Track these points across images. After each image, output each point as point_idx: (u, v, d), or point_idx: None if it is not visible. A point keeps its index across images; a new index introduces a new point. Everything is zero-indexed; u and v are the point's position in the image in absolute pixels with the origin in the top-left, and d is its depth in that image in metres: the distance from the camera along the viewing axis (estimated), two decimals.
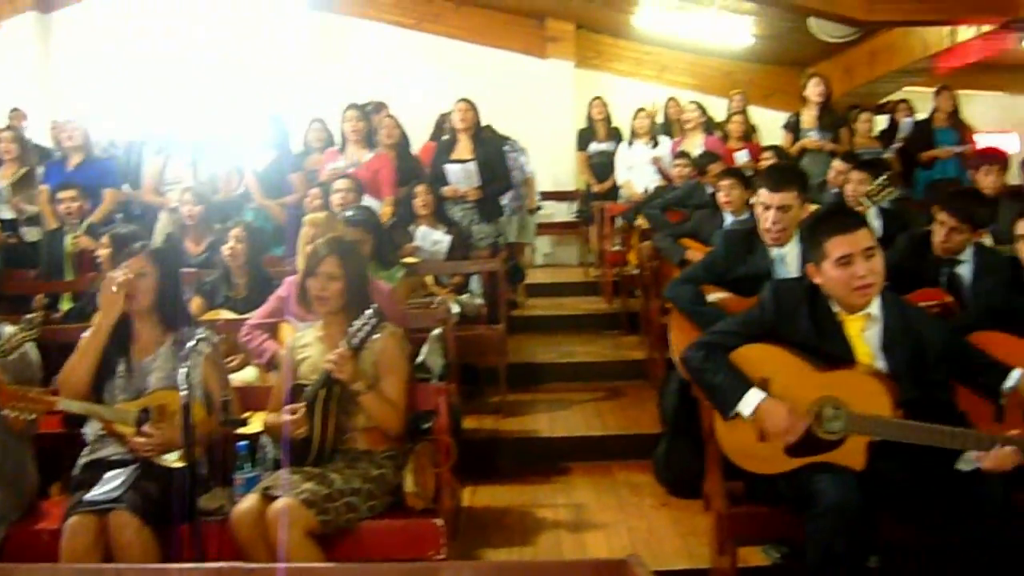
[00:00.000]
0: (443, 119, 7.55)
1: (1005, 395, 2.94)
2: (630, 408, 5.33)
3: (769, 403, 2.79)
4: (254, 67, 9.67)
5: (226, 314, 4.46)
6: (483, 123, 6.60)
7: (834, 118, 7.39)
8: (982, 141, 9.09)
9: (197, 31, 9.73)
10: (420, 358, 4.42)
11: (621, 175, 8.08)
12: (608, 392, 5.69)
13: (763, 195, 3.64)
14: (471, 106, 6.46)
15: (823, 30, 7.26)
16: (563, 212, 9.70)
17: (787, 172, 3.71)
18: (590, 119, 8.82)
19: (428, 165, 6.76)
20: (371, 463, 3.17)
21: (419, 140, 7.72)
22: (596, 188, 8.58)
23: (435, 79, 9.52)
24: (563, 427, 5.08)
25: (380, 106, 7.32)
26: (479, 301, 5.68)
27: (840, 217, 2.98)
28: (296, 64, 9.74)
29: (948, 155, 7.43)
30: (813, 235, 2.91)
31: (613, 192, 8.35)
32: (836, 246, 2.80)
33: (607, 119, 8.72)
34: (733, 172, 5.16)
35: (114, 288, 3.16)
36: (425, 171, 6.77)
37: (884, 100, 9.64)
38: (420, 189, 6.06)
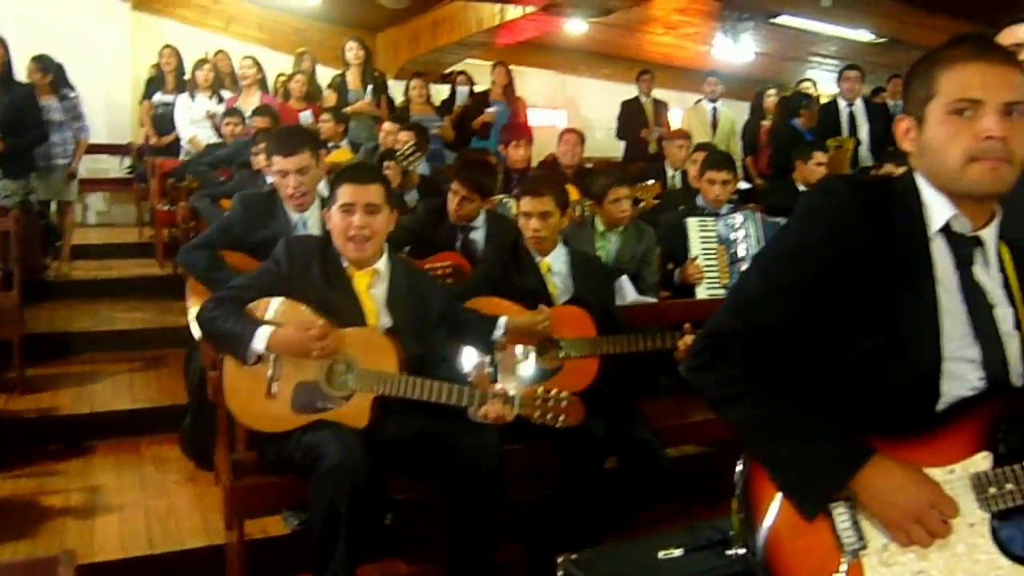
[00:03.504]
0: None
1: (498, 346, 3.16)
2: (168, 378, 5.01)
3: (279, 331, 2.77)
4: None
5: None
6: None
7: (377, 81, 7.54)
8: (536, 116, 9.87)
9: None
10: None
11: (184, 130, 7.60)
12: (148, 362, 5.32)
13: (277, 161, 3.54)
14: None
15: None
16: (118, 167, 8.94)
17: (295, 135, 3.64)
18: (160, 68, 8.19)
19: None
20: None
21: None
22: (155, 141, 8.02)
23: None
24: (88, 403, 4.63)
25: None
26: None
27: (360, 169, 3.07)
28: None
29: (491, 119, 7.89)
30: (334, 181, 2.95)
31: (176, 147, 7.84)
32: (344, 193, 2.87)
33: (177, 69, 8.12)
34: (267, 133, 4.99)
35: None
36: None
37: (449, 70, 10.06)
38: None
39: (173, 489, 3.84)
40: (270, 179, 4.98)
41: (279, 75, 8.69)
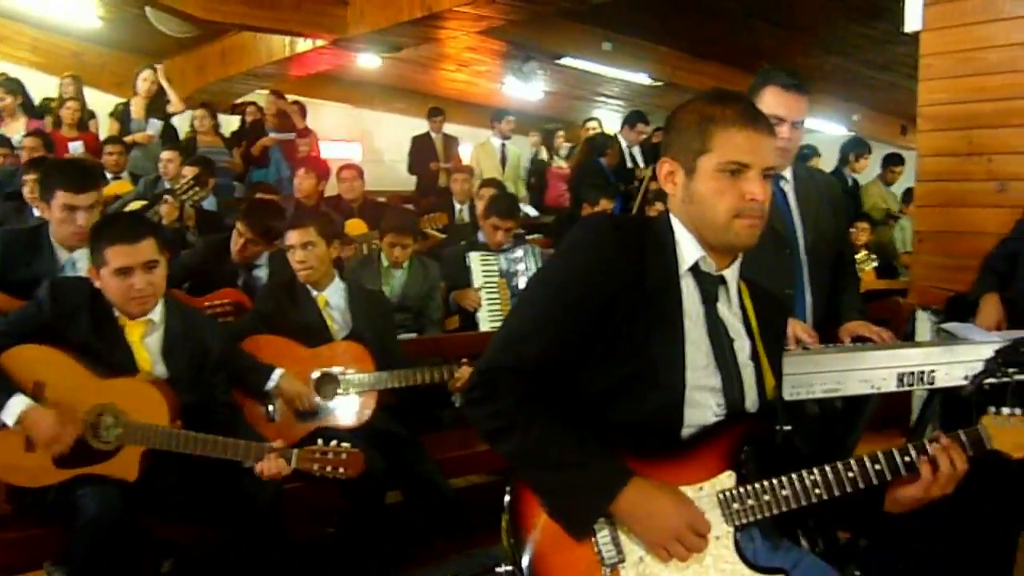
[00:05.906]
0: None
1: (271, 394, 3.15)
2: None
3: (35, 410, 2.61)
4: None
5: None
6: None
7: (162, 111, 7.33)
8: (330, 149, 9.80)
9: None
10: None
11: None
12: None
13: (63, 196, 3.31)
14: None
15: (162, 22, 7.08)
16: None
17: (89, 172, 3.49)
18: None
19: None
20: None
21: None
22: None
23: None
24: None
25: None
26: None
27: (125, 226, 2.84)
28: None
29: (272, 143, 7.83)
30: (97, 239, 2.78)
31: None
32: (116, 256, 2.71)
33: None
34: (38, 163, 4.70)
35: None
36: None
37: (240, 100, 9.84)
38: None
39: None
40: (37, 212, 4.72)
41: (44, 99, 8.21)
